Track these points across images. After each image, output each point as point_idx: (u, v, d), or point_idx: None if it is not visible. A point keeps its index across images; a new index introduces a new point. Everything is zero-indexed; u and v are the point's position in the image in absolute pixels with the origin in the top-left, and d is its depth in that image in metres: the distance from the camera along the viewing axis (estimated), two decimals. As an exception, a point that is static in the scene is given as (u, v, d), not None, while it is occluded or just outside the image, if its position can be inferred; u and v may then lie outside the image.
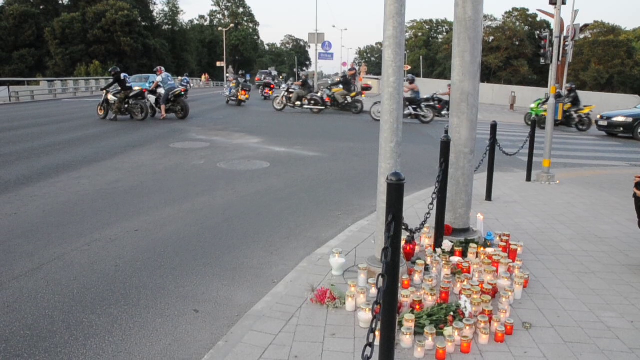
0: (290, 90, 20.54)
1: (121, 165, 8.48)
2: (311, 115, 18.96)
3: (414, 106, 17.39)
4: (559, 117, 20.25)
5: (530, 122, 17.76)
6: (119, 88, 15.29)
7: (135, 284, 3.87)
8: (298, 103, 20.12)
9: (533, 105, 18.29)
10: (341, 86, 20.79)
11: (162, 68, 16.68)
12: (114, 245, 4.69)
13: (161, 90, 16.05)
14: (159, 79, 16.12)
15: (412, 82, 18.03)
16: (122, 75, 15.14)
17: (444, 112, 19.15)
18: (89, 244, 4.70)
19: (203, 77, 57.47)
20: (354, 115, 18.38)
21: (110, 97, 15.44)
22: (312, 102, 19.90)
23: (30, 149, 9.82)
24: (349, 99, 20.35)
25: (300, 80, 21.13)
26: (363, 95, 21.19)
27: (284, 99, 20.49)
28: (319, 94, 20.22)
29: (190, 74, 63.68)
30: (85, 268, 4.14)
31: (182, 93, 15.83)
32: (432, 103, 17.56)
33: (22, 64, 55.15)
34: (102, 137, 11.82)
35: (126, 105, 15.33)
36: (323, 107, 19.93)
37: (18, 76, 45.75)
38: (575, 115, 17.33)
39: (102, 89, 16.45)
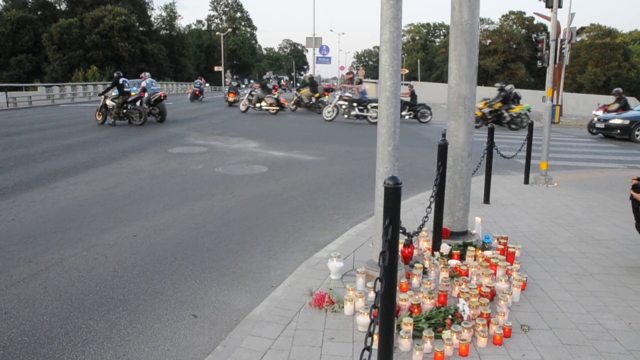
0: (252, 93, 21.58)
1: (119, 171, 8.48)
2: (309, 119, 19.01)
3: (361, 107, 18.18)
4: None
5: (478, 124, 17.74)
6: (118, 93, 15.36)
7: (133, 289, 3.86)
8: (258, 105, 21.10)
9: (480, 106, 18.31)
10: (308, 88, 23.13)
11: (148, 74, 17.37)
12: (112, 250, 4.69)
13: (145, 94, 16.53)
14: (143, 84, 16.62)
15: (359, 83, 19.38)
16: (121, 80, 15.23)
17: (403, 113, 19.56)
18: (87, 249, 4.70)
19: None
20: (353, 119, 18.66)
21: (109, 102, 15.50)
22: (269, 103, 20.86)
23: (28, 155, 9.82)
24: (313, 100, 22.38)
25: (259, 83, 22.57)
26: (326, 96, 22.63)
27: (247, 100, 21.49)
28: (276, 96, 21.21)
29: (188, 79, 63.75)
30: (84, 274, 4.14)
31: (162, 98, 16.34)
32: (377, 104, 17.75)
33: (20, 69, 55.13)
34: (100, 142, 11.82)
35: (124, 110, 15.36)
36: (278, 108, 20.84)
37: (15, 82, 45.77)
38: (506, 114, 17.48)
39: (100, 94, 16.58)
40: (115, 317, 3.43)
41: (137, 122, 15.36)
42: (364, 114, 18.10)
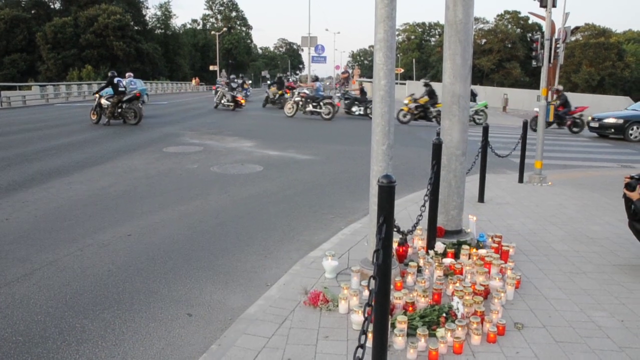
0: (220, 90, 23.66)
1: (114, 170, 8.46)
2: (305, 120, 19.02)
3: (314, 104, 19.47)
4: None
5: (403, 119, 18.12)
6: (112, 92, 15.33)
7: (128, 289, 3.86)
8: (221, 101, 22.97)
9: (406, 101, 18.84)
10: (275, 86, 25.72)
11: (131, 74, 17.78)
12: (106, 250, 4.68)
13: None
14: (124, 82, 16.74)
15: (314, 80, 21.49)
16: (116, 79, 15.23)
17: (353, 109, 20.77)
18: (82, 249, 4.69)
19: (193, 80, 57.21)
20: (347, 120, 19.02)
21: (103, 101, 15.45)
22: (227, 99, 22.67)
23: (22, 154, 9.77)
24: (277, 96, 24.61)
25: (224, 81, 25.28)
26: (287, 94, 24.29)
27: (217, 98, 23.37)
28: (233, 94, 23.01)
29: (183, 78, 63.67)
30: (78, 273, 4.13)
31: (137, 97, 16.38)
32: (330, 101, 19.38)
33: (14, 68, 54.85)
34: (95, 141, 11.78)
35: (119, 110, 15.31)
36: (234, 104, 22.44)
37: (9, 81, 45.38)
38: (432, 109, 18.11)
39: (94, 93, 16.58)
40: (109, 316, 3.42)
41: (132, 121, 15.32)
42: (317, 110, 19.27)
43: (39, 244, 4.78)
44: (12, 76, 52.44)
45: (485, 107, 19.18)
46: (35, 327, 3.25)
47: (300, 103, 19.67)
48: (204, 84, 62.25)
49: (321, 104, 19.16)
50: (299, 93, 20.15)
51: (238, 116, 20.11)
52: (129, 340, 3.13)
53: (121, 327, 3.28)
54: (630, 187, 4.15)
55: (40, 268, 4.21)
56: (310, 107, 19.42)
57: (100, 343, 3.08)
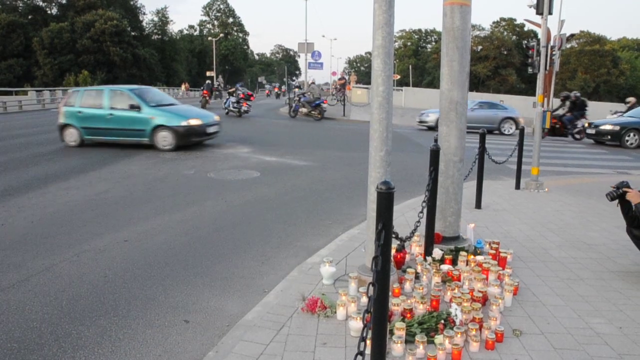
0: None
1: (110, 176, 8.43)
2: (303, 125, 19.04)
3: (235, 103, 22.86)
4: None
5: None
6: None
7: (124, 295, 3.84)
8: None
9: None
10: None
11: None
12: (103, 256, 4.65)
13: None
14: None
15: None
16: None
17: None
18: (78, 254, 4.66)
19: (183, 86, 56.73)
20: (345, 124, 19.12)
21: None
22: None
23: (19, 159, 9.74)
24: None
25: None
26: (252, 100, 26.35)
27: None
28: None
29: (179, 84, 63.68)
30: (74, 279, 4.10)
31: None
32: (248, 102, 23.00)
33: (10, 74, 54.62)
34: (92, 147, 11.75)
35: None
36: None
37: (6, 86, 45.19)
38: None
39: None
40: (106, 322, 3.40)
41: None
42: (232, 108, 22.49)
43: (35, 250, 4.76)
44: (8, 81, 52.22)
45: None
46: (30, 334, 3.23)
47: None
48: (200, 89, 62.01)
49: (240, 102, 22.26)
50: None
51: (235, 121, 20.13)
52: (126, 347, 3.11)
53: (117, 333, 3.26)
54: (610, 197, 4.18)
55: (36, 274, 4.18)
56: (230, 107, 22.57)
57: (96, 350, 3.06)
